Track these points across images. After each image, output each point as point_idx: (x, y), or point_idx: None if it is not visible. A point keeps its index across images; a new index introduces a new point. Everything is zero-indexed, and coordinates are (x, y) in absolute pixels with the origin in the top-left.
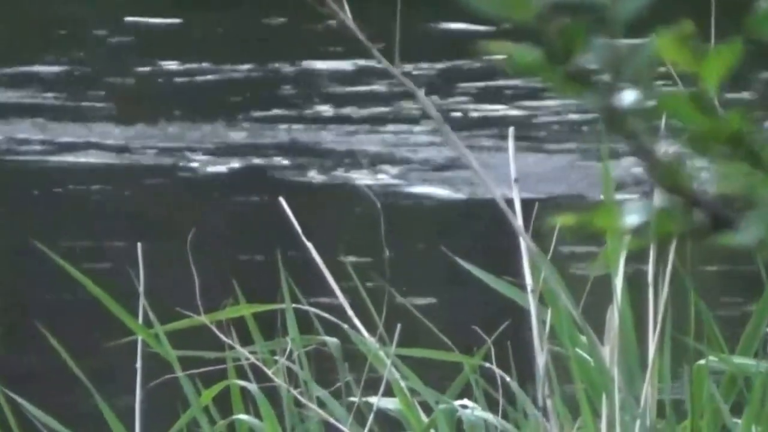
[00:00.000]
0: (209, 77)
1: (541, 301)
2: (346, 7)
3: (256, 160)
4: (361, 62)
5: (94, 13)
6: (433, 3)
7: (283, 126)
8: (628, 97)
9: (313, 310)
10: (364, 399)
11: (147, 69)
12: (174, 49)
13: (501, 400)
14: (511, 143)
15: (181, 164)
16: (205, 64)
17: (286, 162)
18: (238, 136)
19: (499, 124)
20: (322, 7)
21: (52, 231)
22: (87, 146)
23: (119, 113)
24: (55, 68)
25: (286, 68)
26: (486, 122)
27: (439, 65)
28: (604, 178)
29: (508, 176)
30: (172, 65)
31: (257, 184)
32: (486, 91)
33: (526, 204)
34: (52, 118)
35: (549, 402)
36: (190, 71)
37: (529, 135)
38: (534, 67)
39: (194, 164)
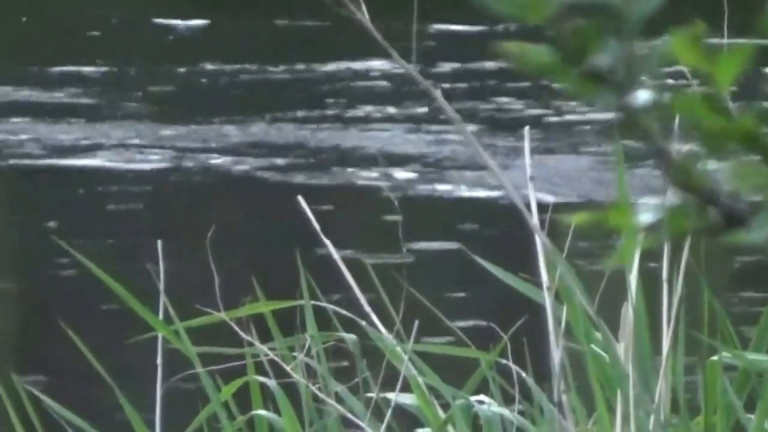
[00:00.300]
0: (236, 79)
1: (557, 298)
2: (364, 7)
3: (279, 160)
4: (384, 63)
5: (125, 14)
6: None
7: (306, 126)
8: (642, 97)
9: (331, 307)
10: (381, 395)
11: (172, 71)
12: (204, 51)
13: (517, 396)
14: (527, 143)
15: (202, 164)
16: (229, 66)
17: (306, 161)
18: (260, 135)
19: (540, 125)
20: (339, 7)
21: (75, 230)
22: (112, 146)
23: (146, 114)
24: (87, 69)
25: (315, 70)
26: (533, 123)
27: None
28: (618, 177)
29: (547, 177)
30: (201, 67)
31: (278, 184)
32: (533, 90)
33: (556, 206)
34: (84, 119)
35: (564, 398)
36: (217, 73)
37: (566, 136)
38: (549, 68)
39: (215, 163)
